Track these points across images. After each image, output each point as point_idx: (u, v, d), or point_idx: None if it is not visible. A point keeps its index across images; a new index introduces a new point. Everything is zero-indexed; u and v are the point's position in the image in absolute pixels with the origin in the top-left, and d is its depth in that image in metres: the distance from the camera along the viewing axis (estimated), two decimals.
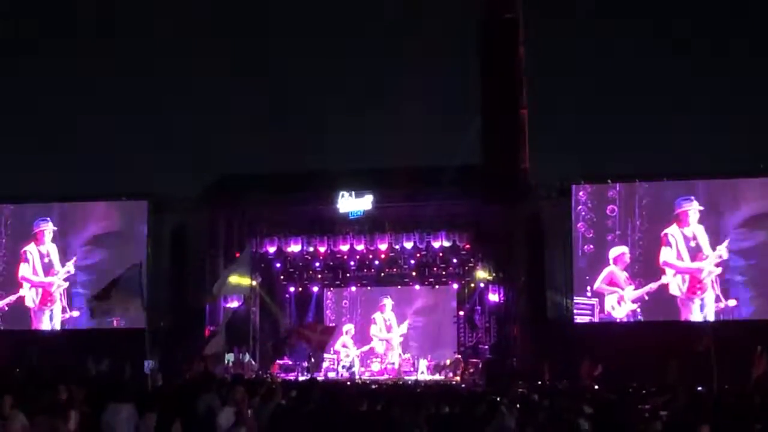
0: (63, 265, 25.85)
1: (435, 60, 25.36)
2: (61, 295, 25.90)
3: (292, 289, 29.92)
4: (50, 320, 25.97)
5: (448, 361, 26.44)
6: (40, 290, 25.99)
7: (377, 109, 33.43)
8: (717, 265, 23.16)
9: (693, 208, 23.35)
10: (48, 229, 26.05)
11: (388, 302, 29.17)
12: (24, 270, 26.08)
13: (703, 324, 22.36)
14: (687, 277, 23.39)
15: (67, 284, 25.85)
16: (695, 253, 23.32)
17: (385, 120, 31.99)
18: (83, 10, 35.26)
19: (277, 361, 26.69)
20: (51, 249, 26.04)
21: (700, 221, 23.37)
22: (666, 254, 23.49)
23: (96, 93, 35.79)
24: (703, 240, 23.33)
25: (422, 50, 25.42)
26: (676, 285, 23.39)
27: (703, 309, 23.15)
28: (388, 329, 29.02)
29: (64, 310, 25.82)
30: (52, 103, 28.88)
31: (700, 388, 17.71)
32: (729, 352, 18.97)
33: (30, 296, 26.03)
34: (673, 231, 23.46)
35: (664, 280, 23.44)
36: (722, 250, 23.10)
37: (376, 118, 33.53)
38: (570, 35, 33.90)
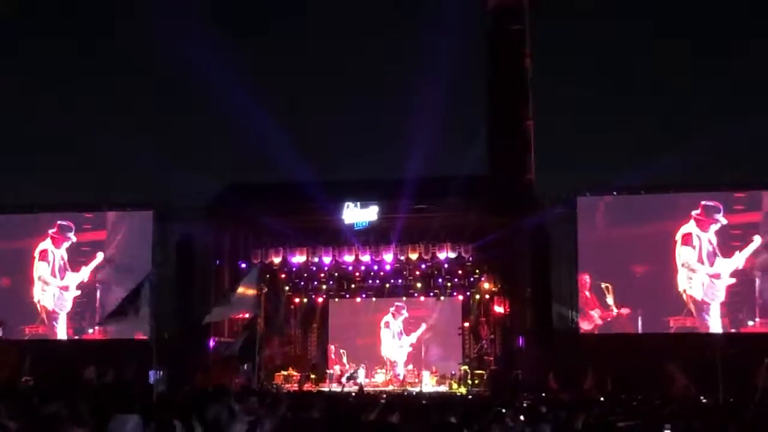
0: (72, 272, 25.84)
1: (441, 70, 25.42)
2: (65, 303, 25.85)
3: (297, 300, 29.91)
4: (55, 328, 25.89)
5: None
6: (54, 295, 25.89)
7: (383, 119, 33.50)
8: (731, 275, 22.82)
9: (719, 220, 22.94)
10: (69, 233, 25.93)
11: (404, 311, 29.20)
12: (42, 269, 25.95)
13: (713, 335, 22.22)
14: (704, 283, 22.95)
15: (71, 294, 25.82)
16: (712, 260, 22.99)
17: (391, 131, 32.05)
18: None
19: (282, 372, 26.72)
20: (63, 254, 26.02)
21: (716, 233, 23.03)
22: (687, 255, 23.05)
23: (100, 99, 35.88)
24: (717, 248, 22.98)
25: (428, 60, 25.53)
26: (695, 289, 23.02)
27: (713, 318, 22.91)
28: (398, 335, 29.05)
29: (69, 320, 25.77)
30: (54, 110, 28.92)
31: (704, 399, 17.73)
32: (735, 363, 18.92)
33: (45, 299, 25.89)
34: (697, 232, 22.99)
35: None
36: (739, 260, 22.71)
37: (381, 129, 33.62)
38: (576, 46, 33.93)
